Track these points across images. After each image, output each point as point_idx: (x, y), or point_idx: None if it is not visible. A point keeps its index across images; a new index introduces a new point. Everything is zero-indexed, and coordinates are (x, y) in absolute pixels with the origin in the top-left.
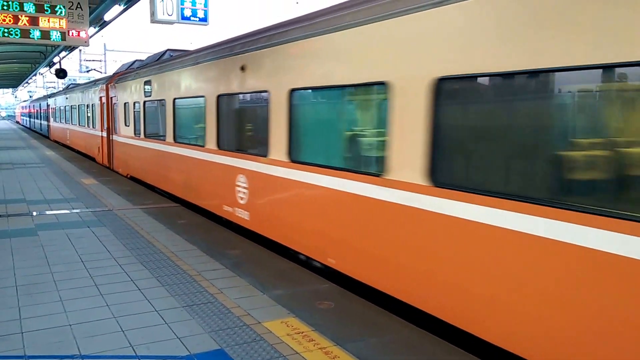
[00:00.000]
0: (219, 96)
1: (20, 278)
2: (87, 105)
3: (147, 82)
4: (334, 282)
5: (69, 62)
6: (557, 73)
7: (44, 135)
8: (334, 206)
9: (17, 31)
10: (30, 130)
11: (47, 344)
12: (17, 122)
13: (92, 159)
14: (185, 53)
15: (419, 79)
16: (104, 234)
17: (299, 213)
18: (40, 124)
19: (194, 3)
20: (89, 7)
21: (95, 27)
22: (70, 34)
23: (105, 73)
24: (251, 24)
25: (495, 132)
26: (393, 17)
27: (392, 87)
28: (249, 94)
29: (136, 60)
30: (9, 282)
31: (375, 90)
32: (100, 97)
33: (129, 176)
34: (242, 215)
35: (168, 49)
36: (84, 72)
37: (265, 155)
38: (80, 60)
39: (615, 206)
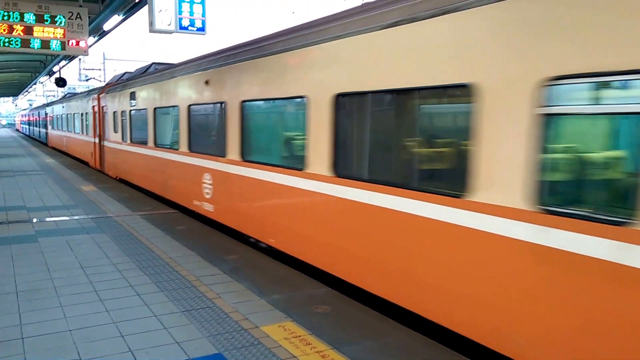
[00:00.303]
0: (189, 106)
1: (20, 284)
2: (82, 114)
3: (132, 93)
4: (330, 286)
5: (69, 71)
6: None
7: (42, 143)
8: (274, 197)
9: (17, 41)
10: (29, 137)
11: (47, 349)
12: (17, 130)
13: (87, 164)
14: (165, 67)
15: (326, 94)
16: (103, 240)
17: (248, 203)
18: (39, 131)
19: (191, 13)
20: (89, 17)
21: (94, 37)
22: (70, 43)
23: (104, 82)
24: (248, 33)
25: (366, 135)
26: (307, 46)
27: (309, 100)
28: (211, 104)
29: (126, 72)
30: (9, 288)
31: (298, 103)
32: (93, 107)
33: (117, 178)
34: (208, 208)
35: (154, 63)
36: (84, 80)
37: (224, 156)
38: (80, 69)
39: (433, 186)
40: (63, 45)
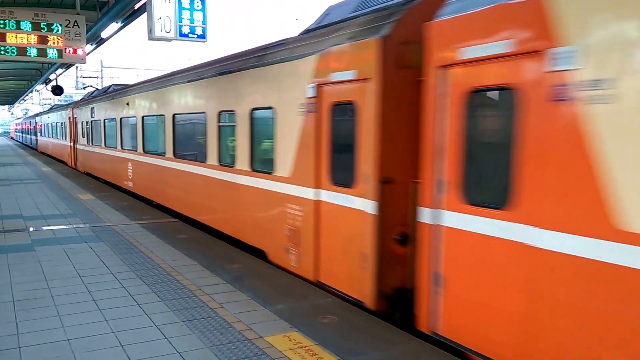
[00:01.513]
0: (120, 118)
1: (17, 293)
2: (62, 123)
3: (92, 108)
4: (336, 296)
5: (66, 78)
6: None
7: (32, 148)
8: (156, 173)
9: (13, 49)
10: (23, 145)
11: (45, 359)
12: (12, 138)
13: (66, 164)
14: (121, 88)
15: (247, 109)
16: (101, 249)
17: (147, 177)
18: (30, 138)
19: (192, 20)
20: (86, 25)
21: (92, 45)
22: (67, 51)
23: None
24: (249, 39)
25: (182, 136)
26: (270, 65)
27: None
28: (132, 117)
29: (95, 90)
30: (6, 298)
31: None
32: (69, 117)
33: (85, 172)
34: (129, 185)
35: (112, 85)
36: (81, 88)
37: (136, 150)
38: (77, 77)
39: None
40: (60, 53)
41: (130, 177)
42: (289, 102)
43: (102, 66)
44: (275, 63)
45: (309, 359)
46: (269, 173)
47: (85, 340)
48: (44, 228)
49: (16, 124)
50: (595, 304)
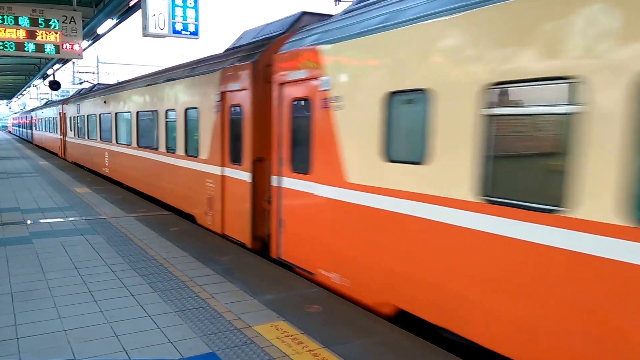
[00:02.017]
0: (99, 114)
1: (15, 285)
2: (54, 118)
3: (78, 105)
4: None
5: (63, 73)
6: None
7: (28, 141)
8: (119, 157)
9: (11, 44)
10: (19, 138)
11: (42, 349)
12: (9, 132)
13: (57, 155)
14: (104, 87)
15: (182, 107)
16: (97, 242)
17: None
18: (26, 132)
19: (185, 17)
20: (83, 21)
21: (88, 40)
22: (64, 47)
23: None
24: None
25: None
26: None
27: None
28: (107, 114)
29: (83, 89)
30: (4, 289)
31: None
32: (59, 113)
33: (72, 162)
34: (106, 170)
35: (98, 84)
36: (77, 83)
37: (111, 141)
38: (74, 72)
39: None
40: (57, 48)
41: (106, 164)
42: (207, 104)
43: (98, 62)
44: (199, 75)
45: (295, 347)
46: (196, 157)
47: (81, 330)
48: (42, 221)
49: (13, 119)
50: (343, 224)
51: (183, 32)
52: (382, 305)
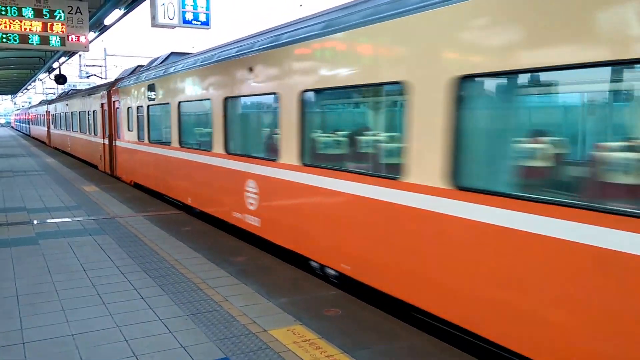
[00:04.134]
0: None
1: (21, 287)
2: (42, 115)
3: (65, 103)
4: (342, 289)
5: (69, 67)
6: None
7: (27, 134)
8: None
9: (15, 37)
10: (21, 132)
11: (49, 354)
12: (12, 127)
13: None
14: (70, 92)
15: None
16: (106, 242)
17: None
18: (25, 127)
19: (195, 7)
20: (89, 12)
21: (95, 32)
22: (70, 39)
23: (106, 78)
24: (254, 26)
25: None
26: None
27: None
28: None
29: (70, 90)
30: (10, 292)
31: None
32: (46, 111)
33: (54, 147)
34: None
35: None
36: (84, 77)
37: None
38: (80, 66)
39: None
40: (63, 41)
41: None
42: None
43: (105, 54)
44: (88, 95)
45: (313, 353)
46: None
47: (89, 335)
48: (48, 221)
49: (15, 115)
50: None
51: (194, 22)
52: None
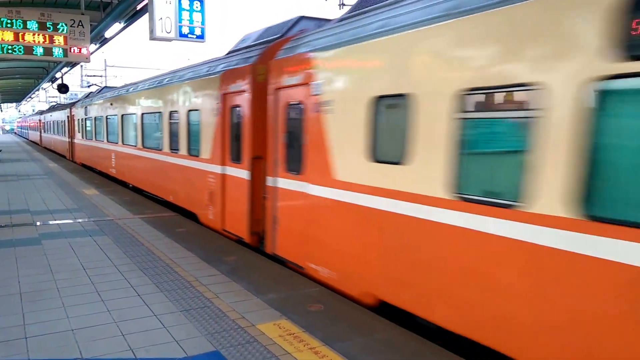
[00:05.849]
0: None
1: (24, 285)
2: (34, 122)
3: (50, 114)
4: (324, 286)
5: (71, 77)
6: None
7: (26, 139)
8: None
9: (20, 48)
10: (22, 137)
11: (50, 349)
12: (15, 133)
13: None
14: (52, 107)
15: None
16: (105, 243)
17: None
18: (25, 132)
19: (191, 21)
20: (90, 25)
21: (96, 44)
22: (72, 50)
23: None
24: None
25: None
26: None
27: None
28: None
29: (57, 104)
30: (13, 289)
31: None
32: (39, 119)
33: (44, 146)
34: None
35: (57, 103)
36: (85, 87)
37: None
38: (82, 76)
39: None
40: (65, 52)
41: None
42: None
43: (105, 65)
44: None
45: (296, 345)
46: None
47: (88, 330)
48: (51, 222)
49: (18, 122)
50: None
51: (189, 35)
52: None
